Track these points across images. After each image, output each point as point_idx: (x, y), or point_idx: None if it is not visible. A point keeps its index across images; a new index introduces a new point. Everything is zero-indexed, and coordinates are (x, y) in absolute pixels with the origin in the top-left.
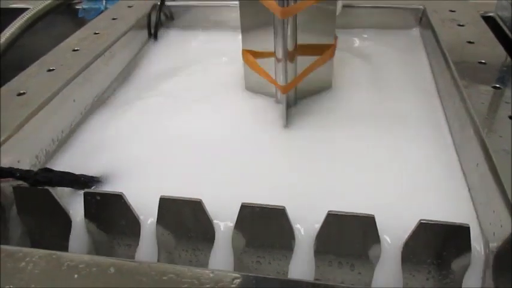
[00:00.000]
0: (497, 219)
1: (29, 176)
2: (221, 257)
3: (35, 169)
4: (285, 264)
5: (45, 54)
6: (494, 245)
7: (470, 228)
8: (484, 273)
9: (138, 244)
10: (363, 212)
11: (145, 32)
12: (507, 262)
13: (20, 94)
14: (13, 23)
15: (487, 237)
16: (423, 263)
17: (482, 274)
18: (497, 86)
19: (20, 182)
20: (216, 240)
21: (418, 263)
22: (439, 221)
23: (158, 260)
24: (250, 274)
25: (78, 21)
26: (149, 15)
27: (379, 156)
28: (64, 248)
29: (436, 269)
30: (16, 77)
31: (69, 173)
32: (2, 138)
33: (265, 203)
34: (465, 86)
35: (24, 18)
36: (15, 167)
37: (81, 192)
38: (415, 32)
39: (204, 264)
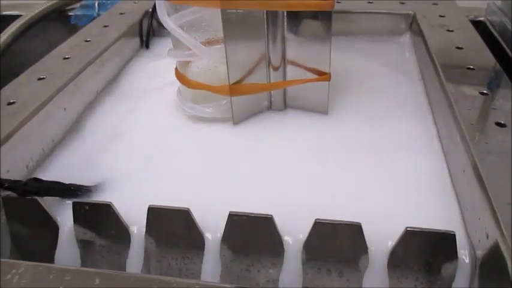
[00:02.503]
0: (482, 227)
1: (18, 187)
2: (210, 265)
3: (25, 179)
4: (274, 272)
5: (36, 62)
6: (479, 252)
7: (457, 235)
8: (471, 280)
9: (127, 253)
10: (350, 220)
11: (136, 40)
12: (493, 270)
13: (10, 103)
14: (5, 30)
15: (473, 244)
16: (411, 269)
17: (469, 281)
18: (485, 92)
19: (9, 192)
20: (204, 249)
21: (405, 269)
22: (425, 229)
23: (148, 268)
24: (236, 285)
25: (70, 27)
26: (141, 23)
27: (363, 160)
28: (54, 256)
29: (423, 275)
30: (6, 86)
31: (58, 182)
32: None
33: (252, 212)
34: (452, 92)
35: (17, 25)
36: (4, 177)
37: (70, 201)
38: (406, 37)
39: (194, 273)
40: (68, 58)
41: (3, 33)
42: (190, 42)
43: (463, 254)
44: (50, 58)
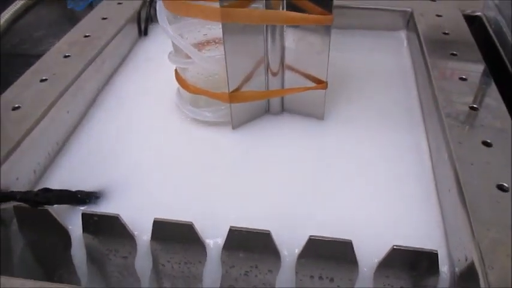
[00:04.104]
0: (461, 247)
1: (29, 198)
2: (211, 268)
3: (33, 185)
4: (270, 277)
5: (37, 62)
6: (458, 270)
7: (439, 252)
8: None
9: (133, 257)
10: (341, 237)
11: (135, 28)
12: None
13: (15, 108)
14: (1, 15)
15: (453, 262)
16: (397, 279)
17: None
18: (475, 106)
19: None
20: (206, 256)
21: (391, 281)
22: (410, 247)
23: (153, 269)
24: None
25: (67, 12)
26: (139, 13)
27: (355, 171)
28: (64, 259)
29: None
30: (9, 88)
31: (66, 190)
32: (2, 158)
33: (251, 227)
34: (443, 106)
35: (13, 10)
36: (14, 184)
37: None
38: (402, 34)
39: (196, 275)
40: (69, 56)
41: None
42: (191, 51)
43: (444, 270)
44: (51, 56)
